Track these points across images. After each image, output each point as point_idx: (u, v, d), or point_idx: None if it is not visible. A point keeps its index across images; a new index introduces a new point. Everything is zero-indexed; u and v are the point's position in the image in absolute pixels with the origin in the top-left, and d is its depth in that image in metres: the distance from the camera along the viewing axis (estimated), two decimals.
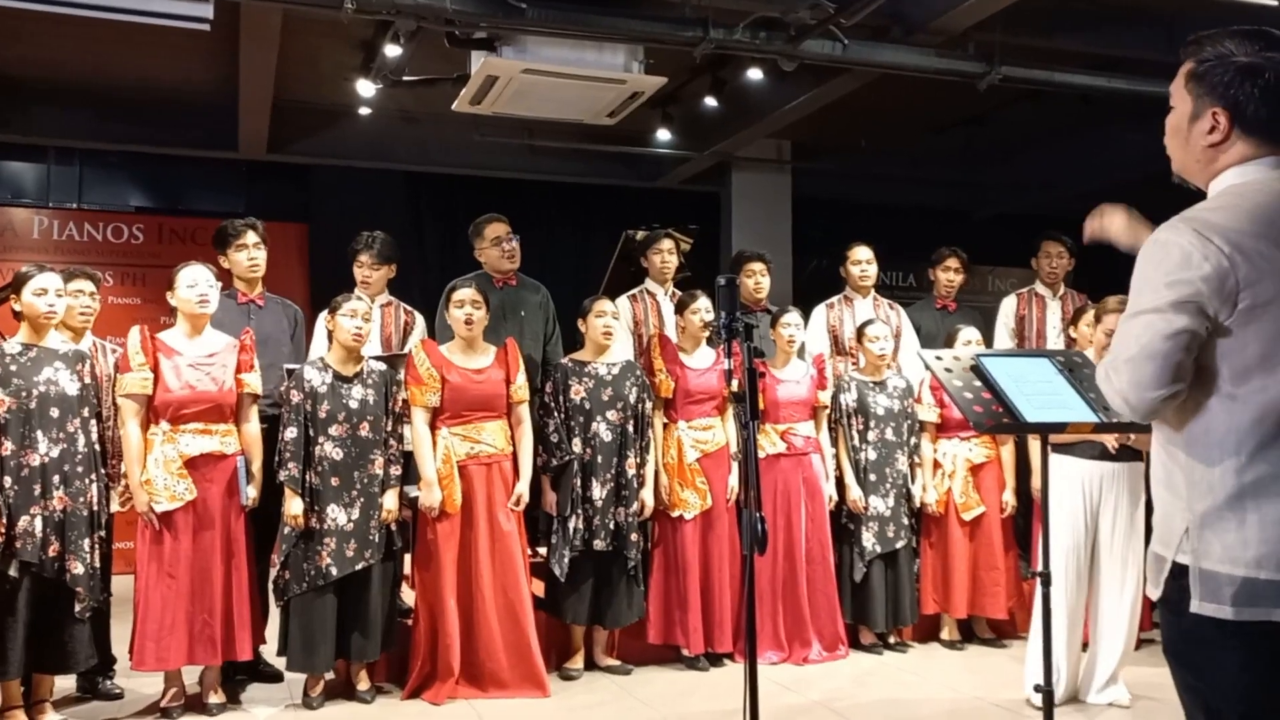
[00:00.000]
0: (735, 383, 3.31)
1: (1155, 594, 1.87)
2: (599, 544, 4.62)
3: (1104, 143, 7.94)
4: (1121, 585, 4.17)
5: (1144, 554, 4.16)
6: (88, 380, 4.08)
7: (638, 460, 4.73)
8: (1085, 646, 4.28)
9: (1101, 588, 4.17)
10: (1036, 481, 4.78)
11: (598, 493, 4.64)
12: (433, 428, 4.42)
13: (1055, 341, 5.87)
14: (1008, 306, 6.10)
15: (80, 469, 3.99)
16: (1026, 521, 5.22)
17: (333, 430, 4.25)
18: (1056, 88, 6.24)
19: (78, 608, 3.96)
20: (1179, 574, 1.81)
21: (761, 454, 4.80)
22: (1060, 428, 3.05)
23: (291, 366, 4.47)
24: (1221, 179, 1.88)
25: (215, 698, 4.19)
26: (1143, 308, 1.81)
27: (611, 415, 4.69)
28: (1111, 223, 2.29)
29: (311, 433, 4.26)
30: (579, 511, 4.63)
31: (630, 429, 4.73)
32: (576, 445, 4.67)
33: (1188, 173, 1.96)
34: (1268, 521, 1.73)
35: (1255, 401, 1.75)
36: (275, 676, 4.55)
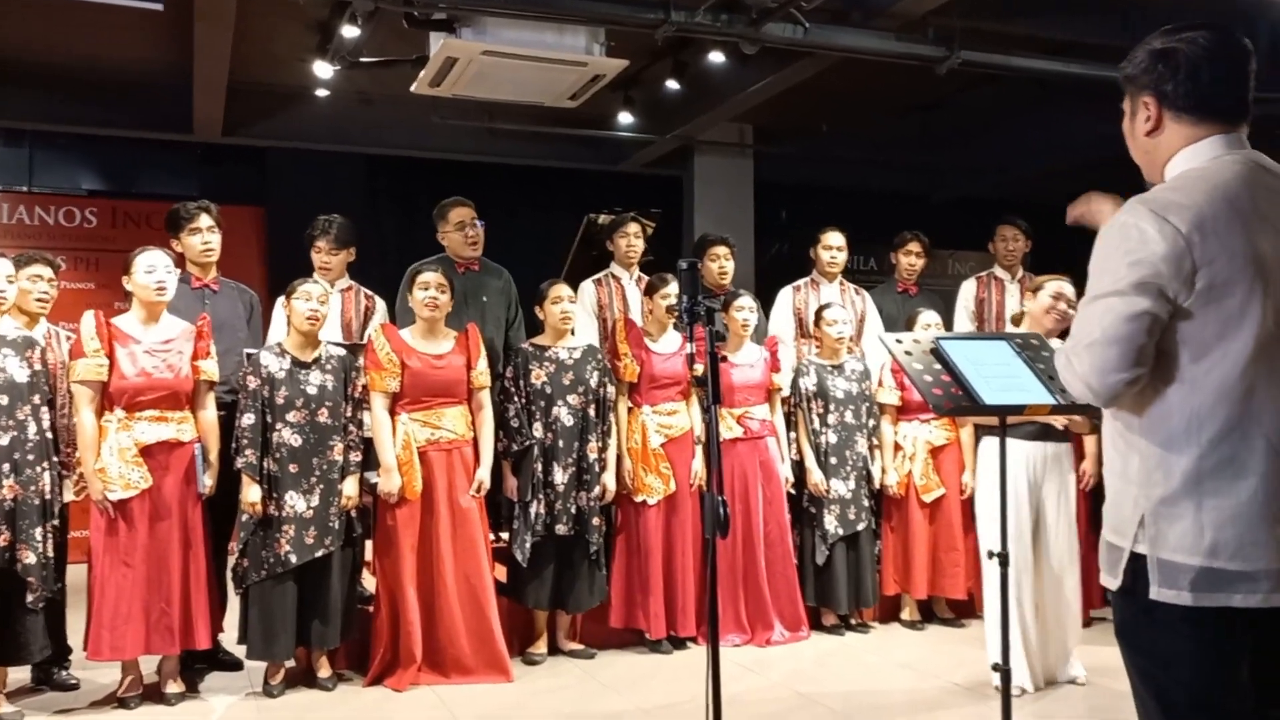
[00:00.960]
0: (698, 366, 3.32)
1: (1113, 584, 1.87)
2: (561, 529, 4.61)
3: (1060, 126, 8.01)
4: (1068, 563, 4.22)
5: (1077, 530, 4.26)
6: (38, 367, 4.00)
7: (599, 445, 4.73)
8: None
9: (1047, 568, 4.21)
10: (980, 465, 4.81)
11: (559, 477, 4.63)
12: (392, 413, 4.38)
13: None
14: (967, 290, 6.15)
15: (31, 457, 3.92)
16: None
17: (291, 416, 4.21)
18: (1014, 72, 6.29)
19: (30, 598, 3.90)
20: (1136, 562, 1.82)
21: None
22: (1018, 409, 3.08)
23: (251, 351, 4.42)
24: (1174, 164, 1.89)
25: (174, 687, 4.14)
26: (1103, 291, 1.80)
27: (573, 399, 4.68)
28: (1101, 210, 2.22)
29: (269, 419, 4.21)
30: (540, 496, 4.61)
31: (591, 413, 4.72)
32: (538, 430, 4.65)
33: (1148, 174, 1.97)
34: (1223, 508, 1.75)
35: (1211, 385, 1.76)
36: (235, 665, 4.51)
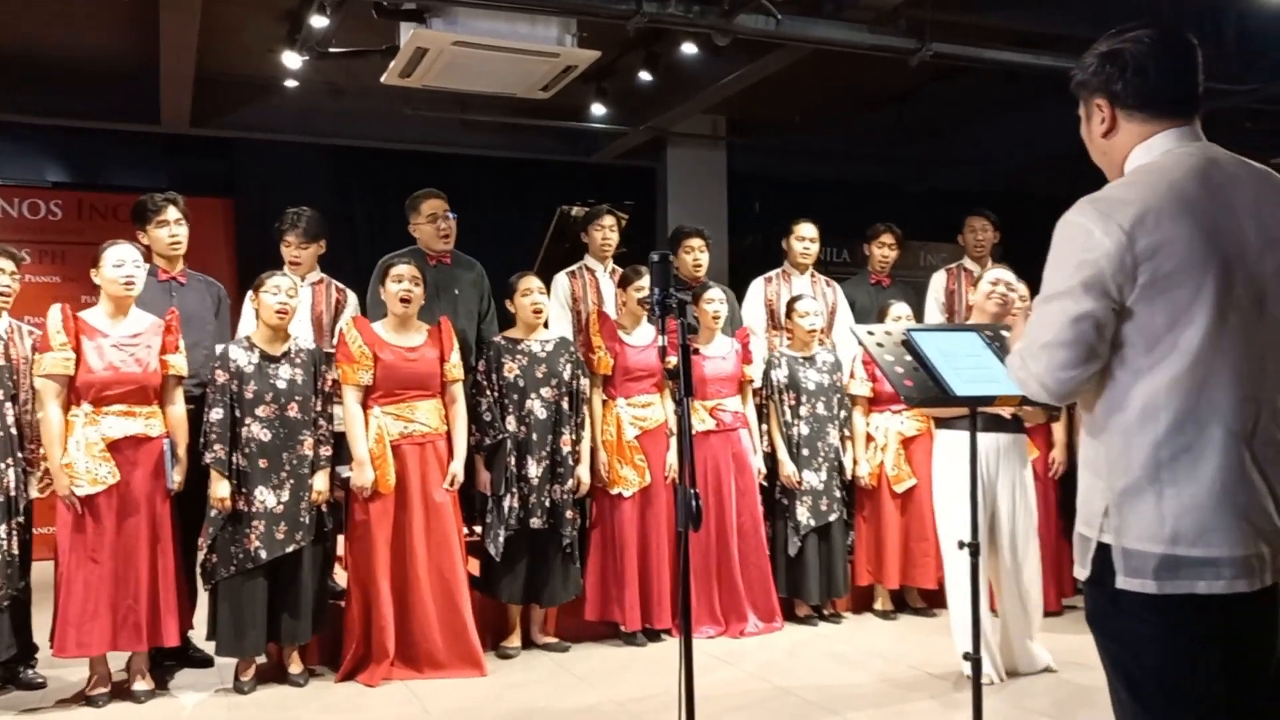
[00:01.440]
0: (671, 359, 3.30)
1: (1083, 574, 1.90)
2: (535, 522, 4.59)
3: (1032, 118, 8.05)
4: (1025, 553, 4.25)
5: (1036, 519, 4.26)
6: (1, 362, 3.94)
7: (573, 437, 4.71)
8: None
9: (1002, 559, 4.24)
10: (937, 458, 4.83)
11: (533, 471, 4.61)
12: (365, 407, 4.35)
13: None
14: (937, 282, 6.18)
15: None
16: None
17: (260, 411, 4.17)
18: (986, 64, 6.31)
19: None
20: (1103, 552, 1.85)
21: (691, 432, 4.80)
22: (988, 401, 3.09)
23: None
24: (1130, 161, 1.93)
25: (143, 684, 4.10)
26: (1053, 292, 1.86)
27: (546, 392, 4.67)
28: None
29: (238, 414, 4.17)
30: (514, 490, 4.60)
31: (565, 406, 4.70)
32: (511, 423, 4.64)
33: (1110, 175, 2.00)
34: (1182, 496, 1.77)
35: (1163, 376, 1.79)
36: (205, 662, 4.47)
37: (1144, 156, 1.91)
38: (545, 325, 4.84)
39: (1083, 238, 1.81)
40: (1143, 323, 1.79)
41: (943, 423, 4.30)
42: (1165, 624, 1.79)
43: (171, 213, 4.48)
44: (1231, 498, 1.76)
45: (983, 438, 4.14)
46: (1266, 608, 1.82)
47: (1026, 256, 4.56)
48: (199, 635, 4.38)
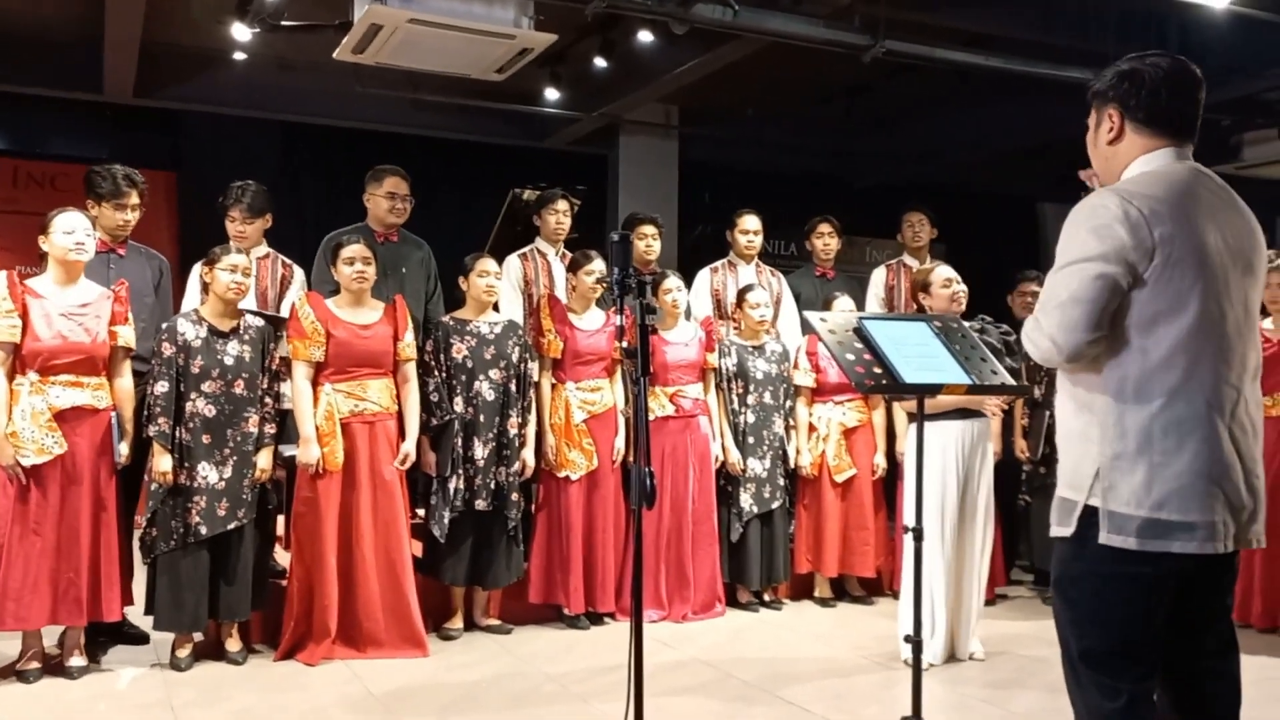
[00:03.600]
0: (626, 342, 3.32)
1: (1065, 532, 2.09)
2: (480, 504, 4.59)
3: (979, 117, 8.20)
4: (985, 540, 4.36)
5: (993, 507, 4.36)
6: None
7: (519, 420, 4.72)
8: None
9: (970, 544, 4.33)
10: (900, 445, 4.96)
11: (480, 452, 4.61)
12: (315, 384, 4.31)
13: None
14: (877, 277, 6.29)
15: None
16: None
17: (206, 386, 4.12)
18: (936, 63, 6.42)
19: None
20: (1089, 514, 2.04)
21: (650, 416, 4.83)
22: (936, 389, 3.16)
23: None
24: (1130, 169, 2.14)
25: (77, 660, 4.03)
26: (1071, 258, 2.04)
27: (494, 374, 4.66)
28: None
29: (183, 388, 4.11)
30: (460, 471, 4.59)
31: (513, 388, 4.70)
32: (458, 404, 4.63)
33: (1106, 180, 2.21)
34: (1169, 465, 1.97)
35: (1161, 353, 1.98)
36: (140, 638, 4.41)
37: (1144, 166, 2.12)
38: (495, 308, 4.83)
39: (1105, 215, 2.01)
40: (1146, 303, 1.99)
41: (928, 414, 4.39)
42: (1138, 584, 2.00)
43: (134, 198, 4.40)
44: (1209, 470, 1.97)
45: (960, 424, 4.29)
46: (1222, 571, 2.07)
47: (970, 250, 4.68)
48: (135, 611, 4.31)
